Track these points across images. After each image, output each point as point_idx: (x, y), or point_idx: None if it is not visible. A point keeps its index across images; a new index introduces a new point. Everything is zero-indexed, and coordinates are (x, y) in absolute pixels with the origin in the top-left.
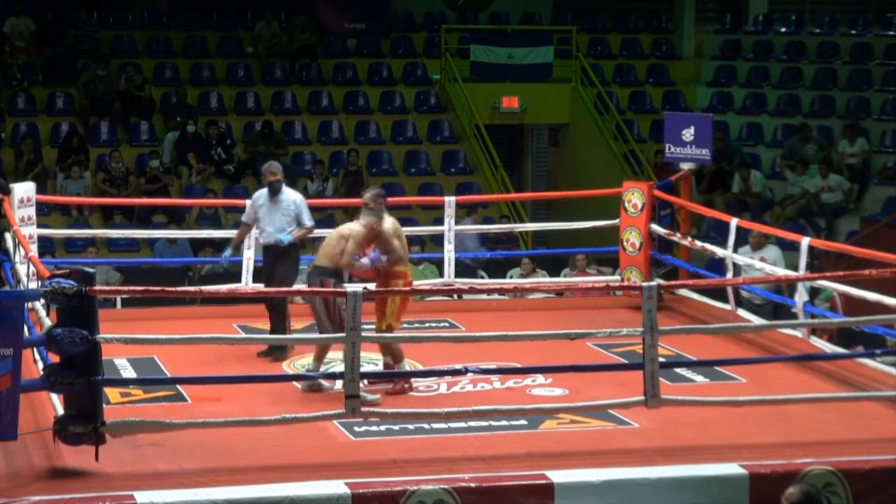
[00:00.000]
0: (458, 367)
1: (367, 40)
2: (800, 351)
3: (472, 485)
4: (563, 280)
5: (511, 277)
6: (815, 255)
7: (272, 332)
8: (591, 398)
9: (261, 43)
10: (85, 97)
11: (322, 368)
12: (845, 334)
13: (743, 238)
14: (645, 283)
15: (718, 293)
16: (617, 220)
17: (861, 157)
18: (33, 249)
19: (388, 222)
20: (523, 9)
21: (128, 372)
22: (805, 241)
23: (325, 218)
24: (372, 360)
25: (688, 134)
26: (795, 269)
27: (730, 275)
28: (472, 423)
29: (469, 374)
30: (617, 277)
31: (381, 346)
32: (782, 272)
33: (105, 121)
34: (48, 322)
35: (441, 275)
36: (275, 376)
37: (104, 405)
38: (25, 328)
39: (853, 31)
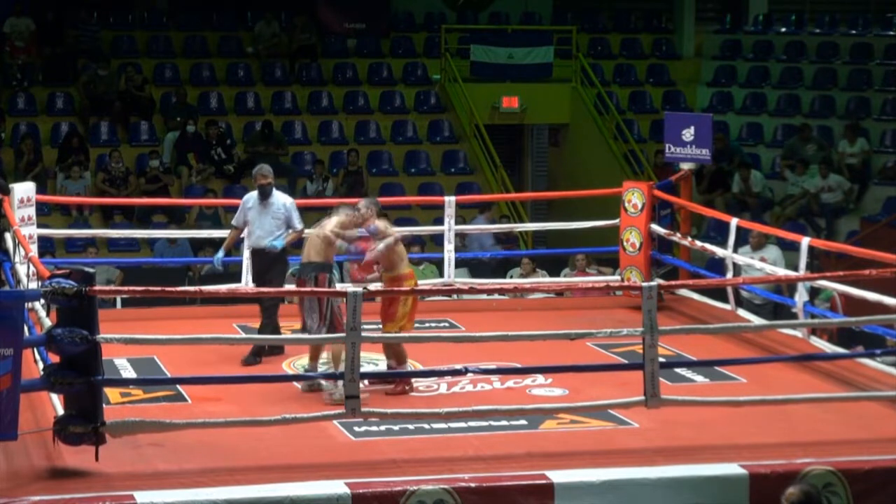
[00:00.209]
0: (458, 367)
1: (367, 40)
2: (800, 351)
3: (472, 485)
4: (563, 280)
5: (511, 277)
6: (815, 255)
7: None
8: (591, 398)
9: (261, 43)
10: (85, 97)
11: (321, 368)
12: (845, 334)
13: (743, 238)
14: (645, 283)
15: (718, 293)
16: (617, 220)
17: (861, 157)
18: (33, 249)
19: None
20: (523, 9)
21: (128, 372)
22: (805, 241)
23: (325, 218)
24: (371, 361)
25: (688, 134)
26: (795, 269)
27: (730, 275)
28: (472, 423)
29: (469, 374)
30: (617, 277)
31: (385, 348)
32: (782, 272)
33: (105, 121)
34: (48, 322)
35: (441, 275)
36: (275, 376)
37: (104, 405)
38: (25, 328)
39: (853, 31)
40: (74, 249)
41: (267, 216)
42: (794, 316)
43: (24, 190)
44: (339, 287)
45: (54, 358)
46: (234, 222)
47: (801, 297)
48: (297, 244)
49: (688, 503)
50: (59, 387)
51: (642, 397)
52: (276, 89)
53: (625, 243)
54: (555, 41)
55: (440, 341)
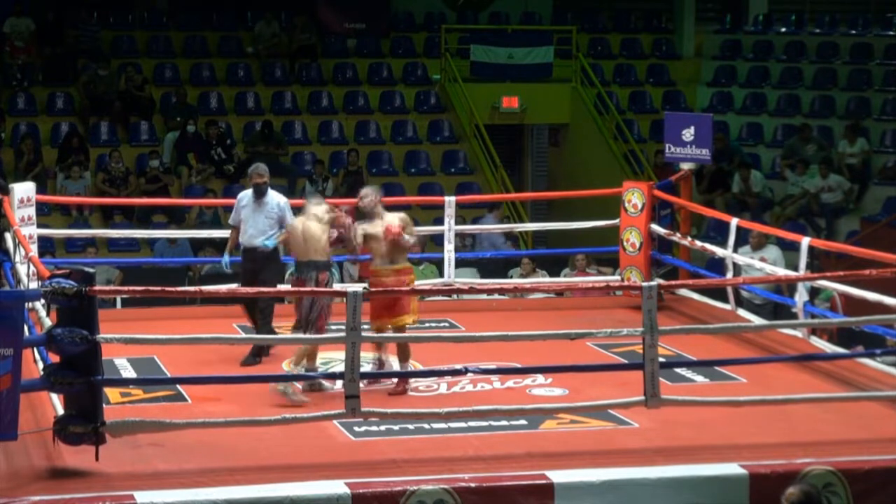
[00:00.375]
0: (458, 367)
1: (367, 40)
2: (800, 351)
3: (472, 485)
4: (563, 280)
5: (511, 277)
6: (815, 255)
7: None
8: (591, 398)
9: (261, 43)
10: (85, 97)
11: (321, 368)
12: (845, 334)
13: (743, 238)
14: (645, 283)
15: (718, 293)
16: (617, 220)
17: (861, 157)
18: (33, 249)
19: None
20: (523, 9)
21: (128, 372)
22: (805, 241)
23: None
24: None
25: (688, 134)
26: (795, 269)
27: (730, 275)
28: (472, 423)
29: (469, 374)
30: (617, 277)
31: (393, 346)
32: (782, 272)
33: (105, 121)
34: (48, 322)
35: (441, 275)
36: (275, 376)
37: (104, 405)
38: (25, 328)
39: (853, 31)
40: (74, 249)
41: (261, 215)
42: (794, 316)
43: (24, 190)
44: (338, 287)
45: (54, 358)
46: (231, 221)
47: (801, 297)
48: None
49: (688, 503)
50: (59, 387)
51: (642, 397)
52: (276, 89)
53: (625, 243)
54: (555, 41)
55: (440, 341)
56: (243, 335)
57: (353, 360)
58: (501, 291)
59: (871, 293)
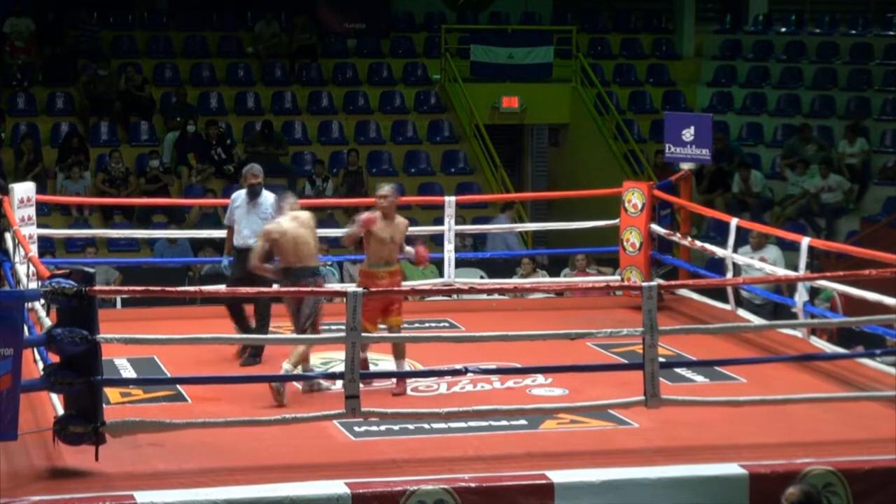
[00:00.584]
0: (458, 367)
1: (367, 40)
2: (800, 351)
3: (472, 485)
4: (563, 280)
5: (511, 277)
6: (815, 255)
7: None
8: (591, 398)
9: (261, 43)
10: (85, 97)
11: (321, 368)
12: (845, 334)
13: (743, 238)
14: (645, 283)
15: (718, 293)
16: (617, 220)
17: (861, 157)
18: (33, 249)
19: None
20: (523, 9)
21: (128, 372)
22: (805, 241)
23: (326, 218)
24: (372, 361)
25: (688, 134)
26: (795, 269)
27: (730, 275)
28: (472, 423)
29: (469, 374)
30: (617, 277)
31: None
32: (782, 272)
33: (105, 121)
34: (48, 322)
35: (441, 275)
36: (274, 376)
37: (104, 405)
38: (25, 328)
39: (853, 31)
40: (74, 249)
41: (255, 215)
42: (794, 316)
43: (24, 190)
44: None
45: (54, 358)
46: (226, 221)
47: (801, 297)
48: None
49: (688, 503)
50: (59, 387)
51: (642, 397)
52: (276, 89)
53: (625, 243)
54: (555, 41)
55: (440, 341)
56: (243, 335)
57: (352, 360)
58: (501, 291)
59: (871, 293)
